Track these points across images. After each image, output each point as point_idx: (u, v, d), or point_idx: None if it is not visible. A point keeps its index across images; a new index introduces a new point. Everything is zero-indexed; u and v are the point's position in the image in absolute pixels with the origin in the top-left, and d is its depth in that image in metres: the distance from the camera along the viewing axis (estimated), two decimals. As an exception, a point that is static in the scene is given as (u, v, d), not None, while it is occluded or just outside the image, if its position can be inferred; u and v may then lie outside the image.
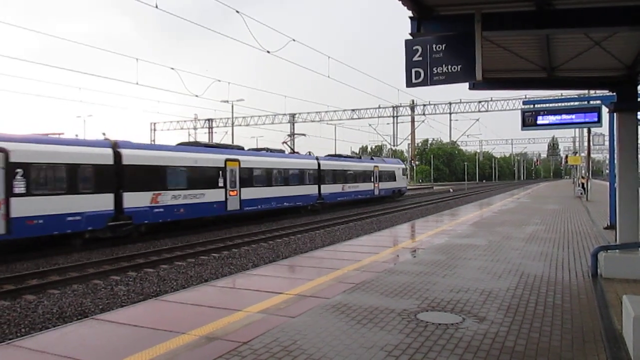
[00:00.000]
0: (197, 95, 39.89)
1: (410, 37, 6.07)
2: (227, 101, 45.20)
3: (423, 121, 61.32)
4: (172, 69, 32.06)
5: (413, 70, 5.94)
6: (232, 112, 47.52)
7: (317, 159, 33.36)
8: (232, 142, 46.22)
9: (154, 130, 63.95)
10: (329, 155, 37.54)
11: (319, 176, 32.70)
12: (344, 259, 10.44)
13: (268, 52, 23.94)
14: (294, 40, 24.81)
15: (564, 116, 12.63)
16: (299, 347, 5.05)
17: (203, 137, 63.84)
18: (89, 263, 14.00)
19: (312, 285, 7.91)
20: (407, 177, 50.59)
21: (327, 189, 33.40)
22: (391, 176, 43.86)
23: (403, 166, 47.95)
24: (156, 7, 17.84)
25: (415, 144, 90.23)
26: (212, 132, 63.03)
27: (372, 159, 44.60)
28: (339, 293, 7.34)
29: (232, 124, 48.42)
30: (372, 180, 39.88)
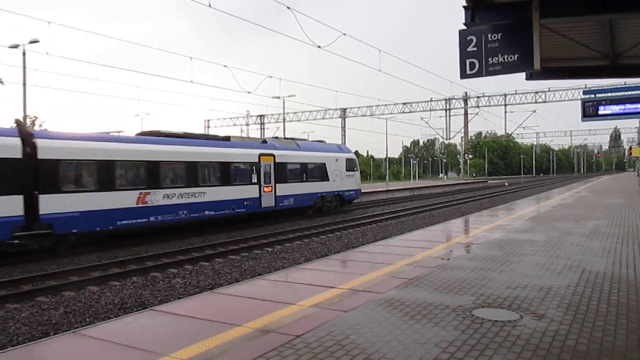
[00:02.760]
0: (249, 92, 40.43)
1: (464, 27, 5.93)
2: (279, 97, 45.66)
3: (477, 114, 60.03)
4: (225, 66, 32.67)
5: (467, 61, 5.80)
6: (284, 108, 48.01)
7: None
8: (284, 137, 46.53)
9: (208, 127, 65.35)
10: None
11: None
12: (396, 254, 10.34)
13: (319, 47, 24.00)
14: (344, 34, 24.74)
15: (628, 106, 12.02)
16: (352, 342, 5.04)
17: (255, 133, 64.76)
18: (147, 256, 14.47)
19: (364, 280, 7.88)
20: (356, 173, 30.51)
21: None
22: (316, 172, 26.81)
23: (347, 156, 29.79)
24: (209, 5, 18.18)
25: (469, 137, 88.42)
26: (263, 128, 63.85)
27: (264, 142, 25.15)
28: (391, 288, 7.28)
29: (284, 119, 48.89)
30: (250, 180, 22.35)
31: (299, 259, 14.30)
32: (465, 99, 58.87)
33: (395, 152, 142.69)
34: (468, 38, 5.80)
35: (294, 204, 24.95)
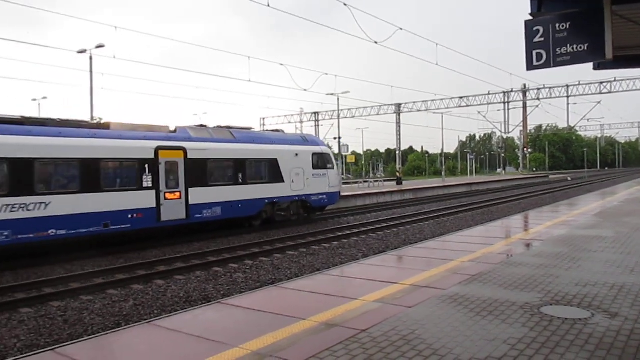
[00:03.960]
0: (305, 89, 40.71)
1: (530, 18, 5.78)
2: (333, 94, 45.72)
3: (537, 106, 57.93)
4: (282, 64, 32.90)
5: (534, 52, 5.65)
6: (338, 105, 47.99)
7: None
8: (339, 134, 46.53)
9: (264, 125, 66.31)
10: None
11: None
12: (456, 250, 10.21)
13: (375, 42, 23.83)
14: (401, 29, 24.47)
15: None
16: (417, 337, 5.03)
17: (310, 130, 65.21)
18: (209, 252, 14.89)
19: (426, 276, 7.83)
20: (331, 172, 23.36)
21: None
22: (263, 172, 20.49)
23: (314, 149, 22.86)
24: (268, 5, 18.41)
25: (528, 131, 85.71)
26: (318, 125, 64.17)
27: (173, 132, 17.80)
28: (454, 284, 7.20)
29: (338, 116, 48.88)
30: (139, 183, 16.14)
31: (357, 255, 14.33)
32: (525, 92, 57.09)
33: (451, 147, 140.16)
34: (534, 29, 5.64)
35: (221, 215, 18.33)
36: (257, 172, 20.34)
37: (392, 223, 20.89)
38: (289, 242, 16.51)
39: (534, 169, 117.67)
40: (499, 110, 57.29)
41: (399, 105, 58.21)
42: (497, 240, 11.38)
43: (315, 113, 64.27)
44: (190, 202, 17.36)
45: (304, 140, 23.14)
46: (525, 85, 57.50)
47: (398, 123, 58.03)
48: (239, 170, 19.32)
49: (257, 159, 20.16)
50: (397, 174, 53.59)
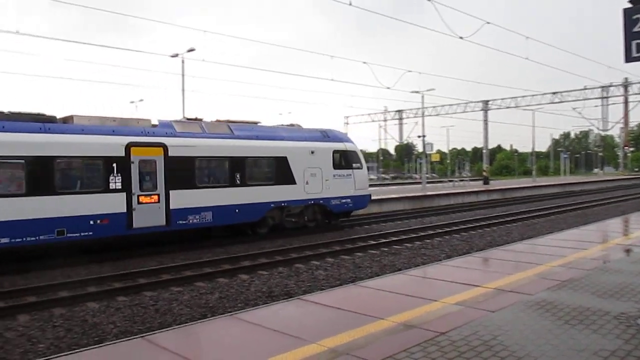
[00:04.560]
0: (388, 88, 40.42)
1: (629, 5, 5.38)
2: (417, 91, 45.03)
3: (640, 102, 53.81)
4: (365, 63, 32.90)
5: (633, 43, 5.25)
6: (422, 102, 47.19)
7: None
8: (423, 132, 45.71)
9: (347, 123, 66.59)
10: None
11: None
12: (545, 254, 9.72)
13: (461, 37, 23.22)
14: (488, 23, 23.68)
15: None
16: (500, 343, 4.85)
17: (394, 129, 64.67)
18: (291, 248, 15.17)
19: (511, 280, 7.52)
20: (357, 172, 20.38)
21: None
22: (268, 172, 18.04)
23: (335, 146, 19.89)
24: (350, 4, 18.47)
25: (629, 128, 79.91)
26: (402, 123, 63.49)
27: (153, 127, 15.68)
28: (542, 290, 6.86)
29: (423, 114, 48.06)
30: (105, 185, 14.11)
31: (440, 255, 14.03)
32: (626, 86, 53.26)
33: (543, 146, 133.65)
34: (634, 17, 5.24)
35: (213, 221, 16.09)
36: (261, 172, 17.86)
37: (477, 224, 20.26)
38: (371, 241, 16.47)
39: (636, 169, 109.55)
40: (596, 106, 53.89)
41: (486, 102, 56.26)
42: (592, 245, 10.72)
43: (398, 111, 63.63)
44: (172, 206, 15.14)
45: (324, 135, 20.01)
46: (626, 78, 53.62)
47: (485, 120, 56.07)
48: (237, 170, 16.84)
49: (260, 157, 17.66)
50: (484, 173, 51.89)
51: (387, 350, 4.74)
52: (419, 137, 48.35)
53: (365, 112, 66.56)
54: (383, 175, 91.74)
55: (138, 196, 14.57)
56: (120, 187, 14.26)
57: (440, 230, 18.56)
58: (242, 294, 10.34)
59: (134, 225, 14.43)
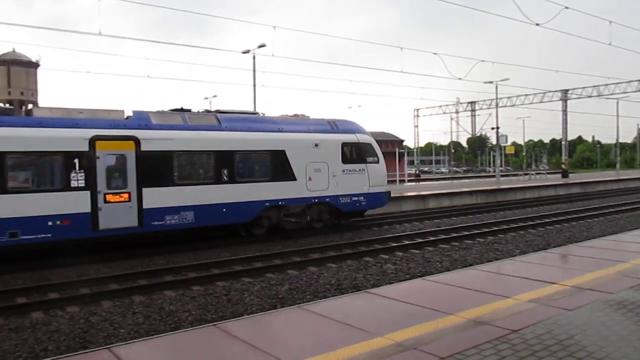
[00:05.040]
0: (459, 78, 39.48)
1: None
2: (491, 82, 43.60)
3: None
4: (435, 54, 32.20)
5: None
6: (496, 93, 45.67)
7: None
8: (497, 124, 44.22)
9: (417, 116, 65.57)
10: None
11: None
12: (630, 251, 9.18)
13: (537, 24, 22.23)
14: (566, 7, 22.50)
15: None
16: (576, 343, 4.63)
17: (466, 121, 62.95)
18: (360, 242, 15.17)
19: (590, 278, 7.16)
20: (371, 166, 18.22)
21: None
22: (263, 167, 16.34)
23: (345, 138, 17.95)
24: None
25: None
26: (474, 115, 61.71)
27: (126, 119, 14.31)
28: (625, 288, 6.49)
29: (497, 105, 46.51)
30: (65, 183, 12.98)
31: (514, 251, 13.56)
32: None
33: (629, 137, 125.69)
34: None
35: (195, 222, 14.60)
36: (253, 168, 16.22)
37: (554, 219, 19.40)
38: (441, 235, 16.18)
39: None
40: (691, 93, 49.86)
41: (565, 92, 53.56)
42: (682, 242, 10.00)
43: (471, 102, 61.80)
44: (145, 205, 13.79)
45: (332, 126, 17.96)
46: None
47: (564, 111, 53.38)
48: (225, 166, 15.24)
49: (252, 150, 15.96)
50: (563, 166, 49.56)
51: (456, 346, 4.65)
52: (493, 129, 46.93)
53: (436, 104, 65.16)
54: (455, 168, 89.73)
55: (104, 194, 13.29)
56: (83, 185, 13.04)
57: (515, 225, 17.94)
58: (311, 286, 10.46)
59: (100, 227, 13.19)
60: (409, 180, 44.62)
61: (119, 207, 13.48)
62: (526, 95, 55.46)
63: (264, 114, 17.79)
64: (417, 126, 61.52)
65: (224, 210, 15.10)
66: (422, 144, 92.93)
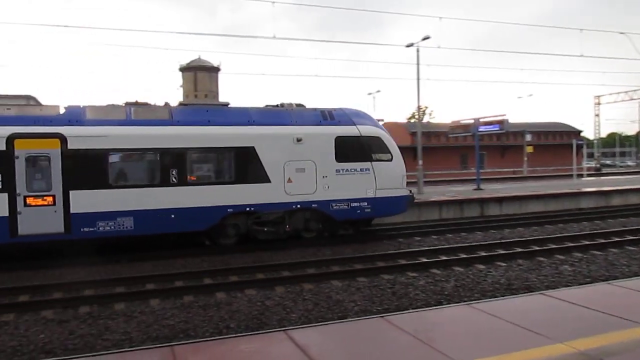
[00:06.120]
0: (649, 60, 34.83)
1: None
2: (691, 61, 37.82)
3: None
4: (622, 33, 28.79)
5: None
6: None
7: None
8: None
9: (599, 104, 59.49)
10: None
11: None
12: None
13: None
14: None
15: None
16: None
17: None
18: (532, 240, 14.25)
19: None
20: (391, 162, 14.89)
21: None
22: (226, 167, 14.01)
23: (341, 130, 14.57)
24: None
25: None
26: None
27: (56, 114, 12.82)
28: None
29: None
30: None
31: None
32: None
33: None
34: None
35: (134, 229, 12.79)
36: (212, 168, 14.05)
37: None
38: (628, 236, 14.51)
39: None
40: None
41: None
42: None
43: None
44: (73, 210, 12.36)
45: (324, 117, 14.83)
46: None
47: None
48: (174, 166, 13.15)
49: (210, 147, 13.62)
50: None
51: (651, 360, 4.15)
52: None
53: (621, 90, 58.32)
54: (644, 161, 79.76)
55: (25, 197, 12.09)
56: (0, 187, 12.10)
57: None
58: (478, 284, 10.11)
59: (20, 232, 12.03)
60: (588, 175, 40.78)
61: (42, 211, 12.23)
62: None
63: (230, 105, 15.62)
64: (597, 115, 55.82)
65: (173, 216, 13.08)
66: (603, 134, 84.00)
